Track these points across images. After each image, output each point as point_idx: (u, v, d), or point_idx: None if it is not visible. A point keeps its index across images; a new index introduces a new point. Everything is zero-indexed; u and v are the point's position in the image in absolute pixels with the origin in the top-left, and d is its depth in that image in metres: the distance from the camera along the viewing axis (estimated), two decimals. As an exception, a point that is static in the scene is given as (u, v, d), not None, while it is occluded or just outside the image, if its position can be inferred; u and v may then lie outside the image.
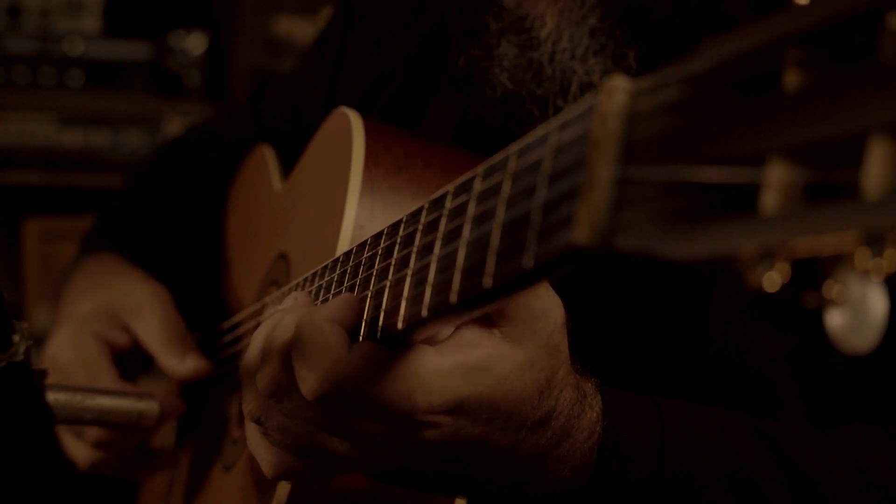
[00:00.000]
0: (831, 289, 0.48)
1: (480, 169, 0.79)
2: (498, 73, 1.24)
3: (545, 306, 0.87)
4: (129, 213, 1.74)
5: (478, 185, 0.79)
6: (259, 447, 0.97)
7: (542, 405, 0.89)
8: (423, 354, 0.86)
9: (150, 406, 1.24)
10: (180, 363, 1.39)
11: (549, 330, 0.87)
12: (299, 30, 3.53)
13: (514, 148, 0.74)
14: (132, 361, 1.46)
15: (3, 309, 1.03)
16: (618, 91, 0.62)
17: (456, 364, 0.85)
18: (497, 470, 0.92)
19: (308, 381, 0.87)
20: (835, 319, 0.48)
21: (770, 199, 0.49)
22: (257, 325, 1.34)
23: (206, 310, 1.66)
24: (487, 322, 0.87)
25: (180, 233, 1.73)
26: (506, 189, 0.73)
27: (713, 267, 0.51)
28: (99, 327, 1.42)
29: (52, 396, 1.15)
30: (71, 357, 1.37)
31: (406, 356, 0.86)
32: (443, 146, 1.24)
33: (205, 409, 1.52)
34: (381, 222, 1.12)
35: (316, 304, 1.00)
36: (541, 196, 0.67)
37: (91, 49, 3.39)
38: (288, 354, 0.90)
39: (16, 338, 1.05)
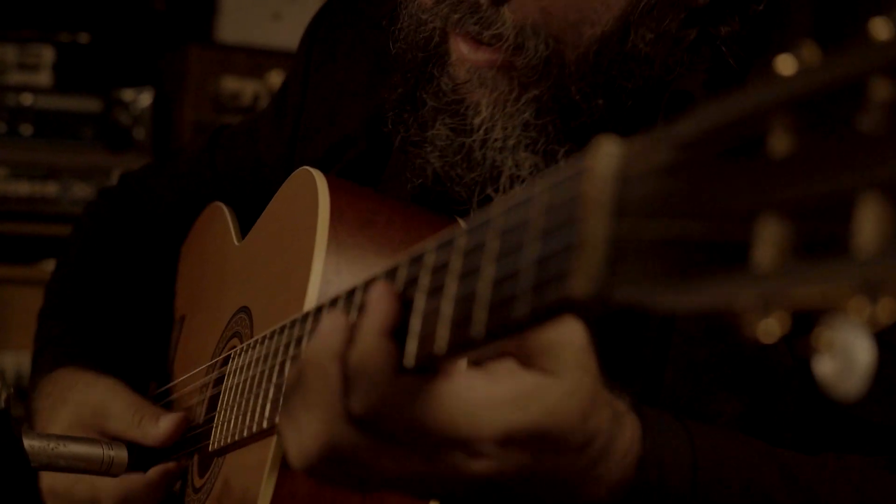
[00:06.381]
0: (821, 336, 0.51)
1: (463, 228, 0.80)
2: (429, 150, 1.24)
3: (568, 331, 0.85)
4: (77, 279, 1.70)
5: (462, 242, 0.80)
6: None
7: (587, 427, 0.87)
8: (471, 379, 0.84)
9: (119, 454, 1.26)
10: (156, 430, 1.37)
11: (577, 353, 0.85)
12: (246, 89, 3.58)
13: (500, 207, 0.76)
14: None
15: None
16: (609, 155, 0.65)
17: (508, 390, 0.84)
18: (535, 496, 0.90)
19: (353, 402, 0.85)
20: (825, 366, 0.51)
21: (762, 255, 0.53)
22: (219, 377, 1.35)
23: (158, 365, 1.66)
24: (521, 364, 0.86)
25: (129, 291, 1.71)
26: (493, 246, 0.75)
27: (711, 317, 0.54)
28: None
29: (27, 443, 1.16)
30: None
31: (450, 381, 0.84)
32: (402, 204, 1.27)
33: (168, 458, 1.53)
34: (347, 276, 1.14)
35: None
36: (534, 251, 0.69)
37: (40, 102, 3.46)
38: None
39: (-5, 386, 1.06)
